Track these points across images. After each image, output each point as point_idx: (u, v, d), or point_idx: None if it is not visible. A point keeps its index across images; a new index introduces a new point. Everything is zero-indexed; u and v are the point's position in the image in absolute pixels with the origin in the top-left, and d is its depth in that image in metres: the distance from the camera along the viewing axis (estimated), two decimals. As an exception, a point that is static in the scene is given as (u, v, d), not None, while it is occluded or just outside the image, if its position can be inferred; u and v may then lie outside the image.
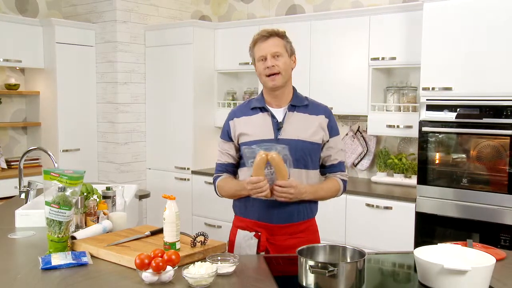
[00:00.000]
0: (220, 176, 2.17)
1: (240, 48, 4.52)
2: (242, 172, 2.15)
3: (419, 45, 3.34)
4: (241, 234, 2.09)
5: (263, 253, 2.05)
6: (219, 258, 1.75)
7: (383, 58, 3.73)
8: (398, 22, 3.65)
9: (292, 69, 2.13)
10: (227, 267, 1.69)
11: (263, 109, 2.11)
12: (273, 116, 2.09)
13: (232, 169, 2.18)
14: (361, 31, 3.81)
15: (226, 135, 2.17)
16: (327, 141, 2.12)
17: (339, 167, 2.18)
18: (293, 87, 2.16)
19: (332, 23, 3.97)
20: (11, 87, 4.63)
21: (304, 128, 2.07)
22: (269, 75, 2.04)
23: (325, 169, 2.18)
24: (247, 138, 2.08)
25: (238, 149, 2.14)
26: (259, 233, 2.06)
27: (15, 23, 4.42)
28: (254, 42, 2.09)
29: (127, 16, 4.70)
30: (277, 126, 2.07)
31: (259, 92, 2.21)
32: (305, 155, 2.05)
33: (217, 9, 5.14)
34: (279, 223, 2.05)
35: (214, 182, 2.19)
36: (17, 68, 4.72)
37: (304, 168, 2.06)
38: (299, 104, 2.11)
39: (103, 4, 4.70)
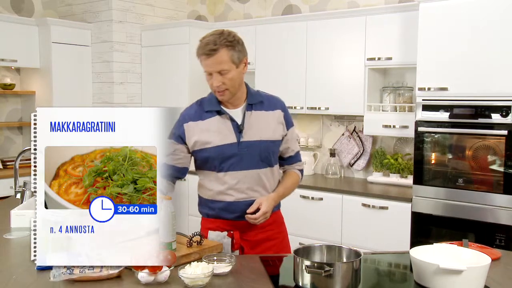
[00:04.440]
0: None
1: (237, 48, 4.56)
2: (205, 178, 2.09)
3: (415, 46, 3.35)
4: (213, 234, 2.07)
5: (237, 251, 2.06)
6: (215, 258, 1.75)
7: (379, 58, 3.74)
8: (394, 23, 3.65)
9: (244, 73, 2.02)
10: (223, 267, 1.69)
11: (219, 112, 2.04)
12: (231, 119, 2.03)
13: (176, 174, 2.08)
14: (357, 31, 3.82)
15: (179, 138, 2.05)
16: (285, 134, 2.13)
17: (297, 157, 2.21)
18: (245, 83, 2.08)
19: (328, 23, 3.97)
20: (6, 86, 4.62)
21: (265, 127, 2.05)
22: (216, 91, 1.98)
23: (284, 161, 2.19)
24: (208, 145, 2.01)
25: (189, 152, 2.08)
26: (232, 232, 2.06)
27: (11, 23, 4.40)
28: (199, 54, 1.94)
29: (123, 16, 4.69)
30: (238, 129, 2.02)
31: (211, 93, 2.08)
32: (269, 154, 2.07)
33: (213, 9, 5.13)
34: (254, 224, 2.04)
35: None
36: (13, 67, 4.71)
37: (269, 166, 2.08)
38: (254, 101, 2.07)
39: (99, 4, 4.69)
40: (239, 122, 2.03)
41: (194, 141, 2.04)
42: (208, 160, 2.05)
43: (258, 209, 1.98)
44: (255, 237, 2.09)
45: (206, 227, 2.13)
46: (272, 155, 2.09)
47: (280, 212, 2.23)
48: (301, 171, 2.24)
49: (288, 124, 2.14)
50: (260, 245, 2.09)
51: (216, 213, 2.10)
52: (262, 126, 2.05)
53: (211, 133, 2.02)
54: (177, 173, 2.10)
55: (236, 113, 2.05)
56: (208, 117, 2.04)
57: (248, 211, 1.98)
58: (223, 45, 1.91)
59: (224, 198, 2.05)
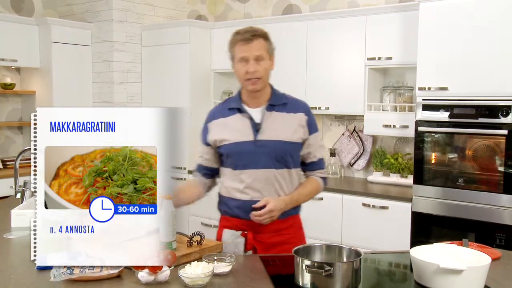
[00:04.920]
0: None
1: (237, 47, 4.56)
2: (225, 176, 2.14)
3: (415, 45, 3.35)
4: (228, 233, 2.08)
5: (250, 251, 2.06)
6: (215, 258, 1.75)
7: (379, 58, 3.74)
8: (394, 22, 3.65)
9: (271, 70, 2.07)
10: (223, 267, 1.69)
11: (240, 110, 2.08)
12: (250, 118, 2.06)
13: (204, 171, 2.19)
14: (357, 31, 3.82)
15: (204, 137, 2.15)
16: (307, 139, 2.11)
17: (319, 164, 2.18)
18: (270, 85, 2.12)
19: (328, 23, 3.97)
20: (6, 86, 4.62)
21: (284, 128, 2.05)
22: (249, 79, 2.01)
23: (305, 167, 2.18)
24: (225, 141, 2.06)
25: (215, 153, 2.14)
26: (246, 232, 2.07)
27: (11, 22, 4.40)
28: (236, 41, 2.01)
29: (124, 16, 4.69)
30: (255, 128, 2.04)
31: (237, 92, 2.15)
32: (286, 155, 2.05)
33: (213, 9, 5.13)
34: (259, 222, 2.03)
35: None
36: (13, 67, 4.71)
37: (286, 167, 2.06)
38: (277, 103, 2.08)
39: (99, 4, 4.69)
40: (258, 121, 2.05)
41: (214, 139, 2.09)
42: (226, 157, 2.09)
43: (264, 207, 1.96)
44: (269, 239, 2.07)
45: (222, 225, 2.15)
46: (290, 157, 2.07)
47: (299, 217, 2.19)
48: (324, 179, 2.19)
49: (311, 129, 2.12)
50: (274, 248, 2.05)
51: (232, 211, 2.11)
52: (281, 127, 2.05)
53: (230, 130, 2.07)
54: (210, 172, 2.19)
55: (257, 112, 2.07)
56: (229, 114, 2.09)
57: (254, 206, 1.97)
58: (260, 35, 2.01)
59: (240, 197, 2.06)
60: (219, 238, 2.13)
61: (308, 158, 2.15)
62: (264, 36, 2.02)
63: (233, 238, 2.06)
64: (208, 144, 2.14)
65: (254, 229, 2.06)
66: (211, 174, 2.20)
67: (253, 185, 2.03)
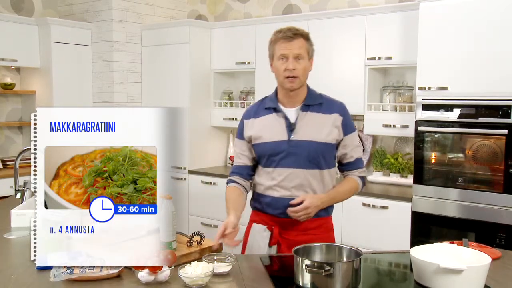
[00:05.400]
0: (232, 180, 2.16)
1: (237, 47, 4.56)
2: (258, 173, 2.16)
3: (415, 45, 3.35)
4: (256, 227, 2.12)
5: (274, 246, 2.07)
6: (215, 257, 1.75)
7: (379, 58, 3.73)
8: (394, 22, 3.65)
9: (309, 71, 2.11)
10: (223, 267, 1.69)
11: (276, 109, 2.10)
12: (286, 117, 2.08)
13: (246, 171, 2.17)
14: (358, 31, 3.82)
15: (241, 133, 2.18)
16: (342, 140, 2.11)
17: (357, 164, 2.17)
18: (307, 85, 2.15)
19: (328, 22, 3.97)
20: (6, 86, 4.62)
21: (318, 128, 2.06)
22: (287, 77, 2.03)
23: (343, 167, 2.18)
24: (260, 140, 2.09)
25: (252, 149, 2.15)
26: (272, 227, 2.09)
27: (11, 22, 4.40)
28: (277, 39, 2.04)
29: (123, 16, 4.69)
30: (290, 128, 2.06)
31: (274, 91, 2.18)
32: (318, 156, 2.05)
33: (213, 9, 5.13)
34: (290, 218, 2.03)
35: (227, 184, 2.19)
36: (13, 67, 4.70)
37: (318, 168, 2.06)
38: (312, 103, 2.09)
39: (99, 3, 4.69)
40: (293, 121, 2.06)
41: (250, 136, 2.12)
42: (260, 155, 2.11)
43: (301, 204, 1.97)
44: (295, 237, 2.06)
45: (252, 219, 2.17)
46: (323, 158, 2.07)
47: (331, 219, 2.19)
48: (362, 178, 2.18)
49: (347, 129, 2.11)
50: None
51: (262, 207, 2.13)
52: (315, 128, 2.06)
53: (265, 128, 2.09)
54: (252, 171, 2.18)
55: (292, 112, 2.09)
56: (265, 113, 2.12)
57: (291, 202, 1.98)
58: (302, 35, 2.04)
59: (271, 193, 2.08)
60: (247, 232, 2.16)
61: (345, 159, 2.15)
62: (305, 36, 2.06)
63: (260, 232, 2.08)
64: (245, 139, 2.15)
65: (282, 225, 2.08)
66: (252, 174, 2.19)
67: (283, 183, 2.05)
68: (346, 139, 2.11)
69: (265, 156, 2.09)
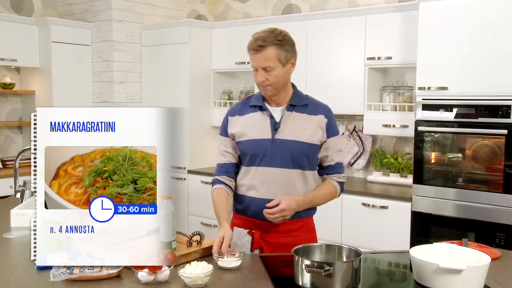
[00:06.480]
0: (219, 180, 2.12)
1: (237, 47, 4.55)
2: (240, 174, 2.13)
3: (415, 45, 3.35)
4: (237, 231, 2.09)
5: (257, 250, 2.05)
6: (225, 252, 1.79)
7: (379, 58, 3.74)
8: (394, 22, 3.65)
9: (290, 74, 2.06)
10: (234, 262, 1.73)
11: (262, 108, 2.09)
12: (271, 116, 2.07)
13: (232, 169, 2.15)
14: (357, 31, 3.82)
15: (225, 130, 2.16)
16: (325, 141, 2.09)
17: (336, 168, 2.14)
18: (293, 85, 2.13)
19: (328, 22, 3.97)
20: (6, 86, 4.62)
21: (302, 128, 2.05)
22: (260, 85, 2.03)
23: (322, 170, 2.16)
24: (244, 137, 2.08)
25: (235, 146, 2.13)
26: (253, 231, 2.07)
27: (11, 22, 4.40)
28: (248, 48, 2.01)
29: (123, 15, 4.69)
30: (274, 126, 2.05)
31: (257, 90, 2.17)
32: (301, 156, 2.04)
33: (213, 9, 5.13)
34: (271, 221, 2.02)
35: (212, 184, 2.15)
36: (12, 67, 4.71)
37: (300, 168, 2.05)
38: (298, 103, 2.08)
39: (99, 3, 4.69)
40: (278, 120, 2.06)
41: (233, 133, 2.11)
42: (243, 153, 2.09)
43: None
44: (277, 239, 2.06)
45: (234, 223, 2.14)
46: (306, 159, 2.06)
47: (312, 219, 2.17)
48: (341, 184, 2.15)
49: (330, 132, 2.09)
50: (281, 249, 2.03)
51: (242, 208, 2.11)
52: (300, 128, 2.05)
53: (249, 126, 2.08)
54: (236, 169, 2.15)
55: (277, 111, 2.08)
56: (250, 111, 2.11)
57: (267, 205, 1.96)
58: (272, 43, 1.96)
59: (251, 193, 2.06)
60: None
61: (326, 161, 2.13)
62: (278, 42, 1.97)
63: (241, 237, 2.07)
64: (229, 137, 2.13)
65: (263, 228, 2.06)
66: (237, 172, 2.15)
67: (266, 183, 2.04)
68: (329, 142, 2.10)
69: (247, 154, 2.07)
